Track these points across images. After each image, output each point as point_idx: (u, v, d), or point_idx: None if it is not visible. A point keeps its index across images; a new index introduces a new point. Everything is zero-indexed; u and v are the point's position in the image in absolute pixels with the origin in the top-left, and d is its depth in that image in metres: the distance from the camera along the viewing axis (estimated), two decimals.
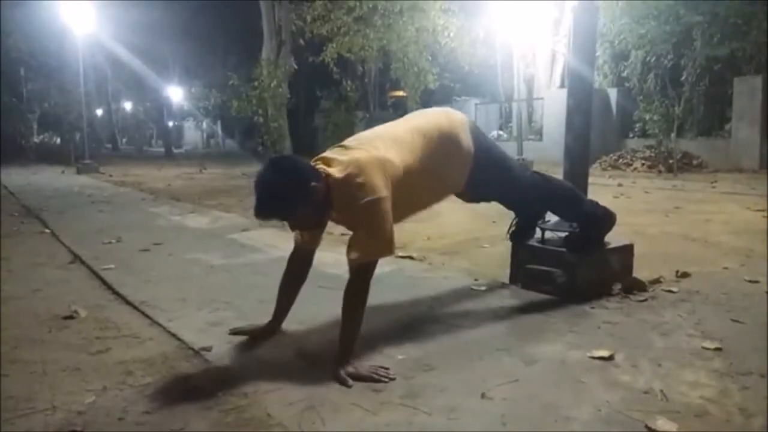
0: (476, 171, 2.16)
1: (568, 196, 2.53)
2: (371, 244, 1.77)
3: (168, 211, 5.89)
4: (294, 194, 1.73)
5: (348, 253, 1.78)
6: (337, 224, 1.99)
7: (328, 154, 1.90)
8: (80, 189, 8.65)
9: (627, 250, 2.68)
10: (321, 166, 1.83)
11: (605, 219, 2.58)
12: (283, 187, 1.73)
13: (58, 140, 27.80)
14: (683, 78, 13.85)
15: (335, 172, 1.79)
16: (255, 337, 2.05)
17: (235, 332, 2.07)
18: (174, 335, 2.11)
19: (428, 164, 1.99)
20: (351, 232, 1.86)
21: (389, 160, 1.85)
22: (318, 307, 2.36)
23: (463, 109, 18.22)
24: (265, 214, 1.77)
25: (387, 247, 1.78)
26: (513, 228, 2.71)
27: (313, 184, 1.75)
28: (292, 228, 1.89)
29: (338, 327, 1.79)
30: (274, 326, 2.09)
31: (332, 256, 3.17)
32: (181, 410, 1.53)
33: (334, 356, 1.75)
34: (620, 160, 12.93)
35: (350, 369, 1.71)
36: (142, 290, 2.72)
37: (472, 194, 2.35)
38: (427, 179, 2.01)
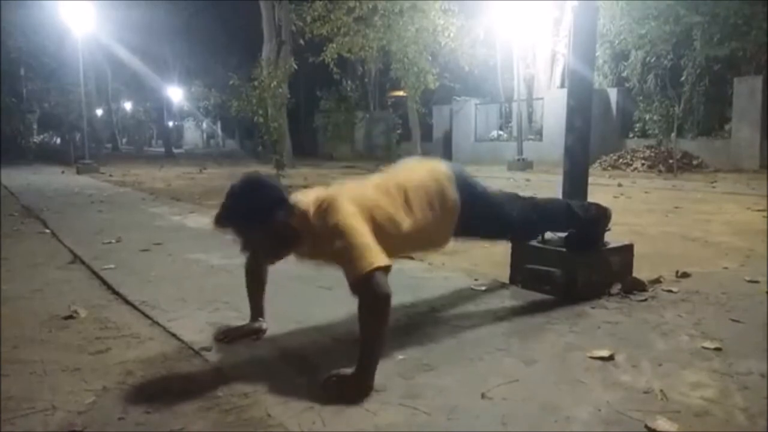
0: (463, 220, 2.13)
1: (559, 214, 2.52)
2: (359, 253, 1.64)
3: (168, 211, 5.88)
4: (252, 216, 1.72)
5: (346, 276, 1.67)
6: (313, 259, 1.92)
7: (301, 195, 1.86)
8: (80, 189, 8.64)
9: (627, 250, 2.68)
10: (299, 203, 1.79)
11: (600, 217, 2.58)
12: (243, 204, 1.73)
13: (58, 140, 27.82)
14: (683, 78, 13.88)
15: (308, 206, 1.76)
16: (240, 337, 2.04)
17: (219, 339, 2.03)
18: (174, 335, 2.11)
19: (409, 222, 1.91)
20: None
21: (364, 195, 1.84)
22: (317, 307, 2.36)
23: (464, 109, 18.27)
24: (220, 223, 1.78)
25: (376, 252, 1.65)
26: None
27: (277, 218, 1.73)
28: (243, 248, 1.86)
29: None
30: (255, 323, 2.10)
31: None
32: (181, 410, 1.53)
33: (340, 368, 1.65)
34: (620, 160, 12.96)
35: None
36: (142, 290, 2.72)
37: (460, 237, 2.31)
38: (405, 234, 1.91)
